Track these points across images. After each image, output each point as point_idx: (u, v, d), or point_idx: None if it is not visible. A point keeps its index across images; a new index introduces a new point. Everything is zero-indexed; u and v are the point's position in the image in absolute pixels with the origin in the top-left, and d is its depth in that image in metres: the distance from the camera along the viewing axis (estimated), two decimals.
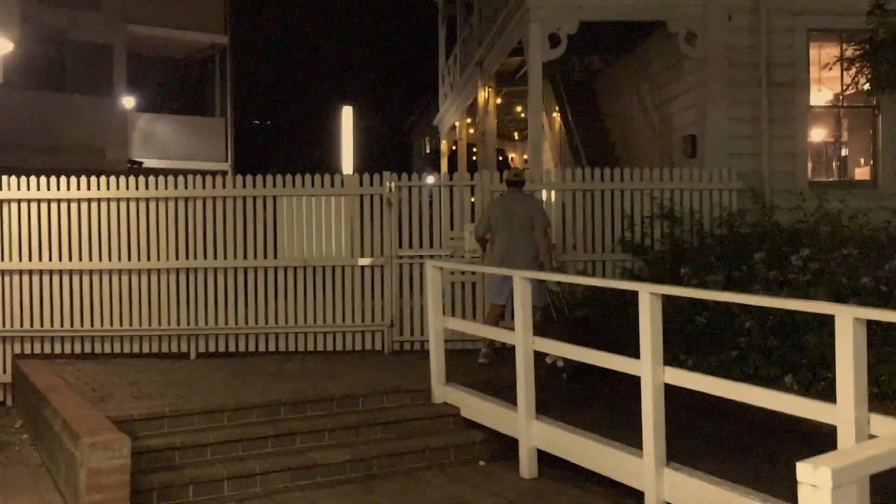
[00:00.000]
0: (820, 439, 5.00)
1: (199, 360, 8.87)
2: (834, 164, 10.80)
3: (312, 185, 9.13)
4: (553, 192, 9.24)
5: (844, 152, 10.85)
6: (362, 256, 9.10)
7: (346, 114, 15.92)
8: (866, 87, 8.97)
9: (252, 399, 6.61)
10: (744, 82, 9.94)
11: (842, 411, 3.77)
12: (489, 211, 8.18)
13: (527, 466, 5.98)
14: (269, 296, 9.09)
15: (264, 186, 9.12)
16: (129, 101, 19.35)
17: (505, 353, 7.92)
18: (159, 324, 9.01)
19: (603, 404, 6.47)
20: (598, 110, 13.85)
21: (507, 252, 7.84)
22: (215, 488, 5.64)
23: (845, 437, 3.76)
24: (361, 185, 9.16)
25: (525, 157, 18.80)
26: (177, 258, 9.04)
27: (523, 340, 6.03)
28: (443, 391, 7.02)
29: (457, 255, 8.85)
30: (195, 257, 9.06)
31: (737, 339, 6.65)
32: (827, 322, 6.13)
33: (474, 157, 18.24)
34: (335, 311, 9.07)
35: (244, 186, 9.13)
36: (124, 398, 6.74)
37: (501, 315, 7.99)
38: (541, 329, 7.28)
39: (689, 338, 7.16)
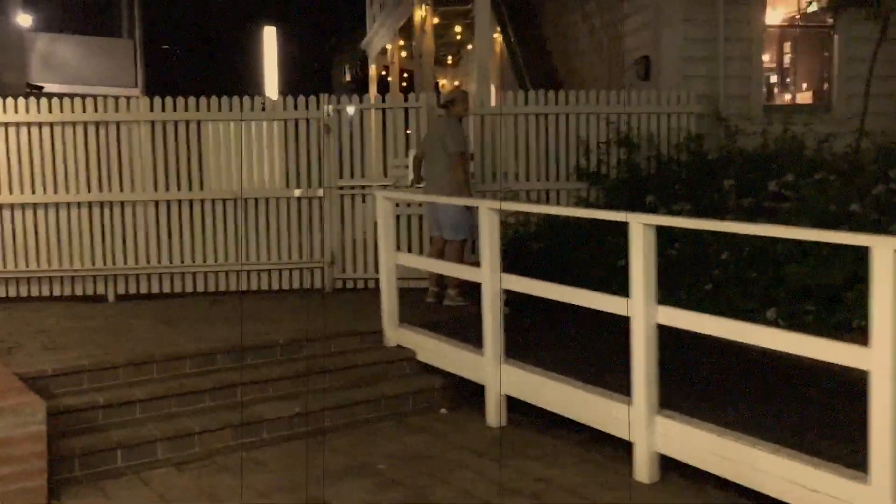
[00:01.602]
0: (815, 374, 4.68)
1: (120, 303, 8.03)
2: (789, 87, 10.46)
3: (241, 109, 8.24)
4: (496, 117, 8.59)
5: (799, 75, 10.51)
6: (298, 187, 8.33)
7: (269, 35, 14.80)
8: (822, 5, 8.57)
9: (184, 348, 5.89)
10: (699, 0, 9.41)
11: (878, 356, 3.33)
12: (424, 136, 7.80)
13: (494, 415, 5.48)
14: (196, 231, 8.26)
15: (186, 110, 8.19)
16: (24, 20, 17.61)
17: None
18: (71, 264, 8.10)
19: (563, 342, 6.01)
20: (539, 32, 13.17)
21: (431, 179, 7.32)
22: (147, 451, 4.95)
23: (881, 384, 3.33)
24: (296, 108, 8.33)
25: (456, 83, 18.05)
26: (89, 191, 8.09)
27: (490, 278, 5.46)
28: (396, 334, 6.44)
29: (400, 186, 8.15)
30: (110, 190, 8.12)
31: (711, 272, 6.23)
32: (811, 252, 5.79)
33: (404, 84, 17.37)
34: (270, 247, 8.33)
35: (164, 110, 8.17)
36: (34, 350, 5.92)
37: (439, 249, 7.43)
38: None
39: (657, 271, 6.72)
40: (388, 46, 15.91)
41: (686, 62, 9.37)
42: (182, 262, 8.23)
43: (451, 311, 7.15)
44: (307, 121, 8.31)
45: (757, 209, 6.46)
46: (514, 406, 5.48)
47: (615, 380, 4.83)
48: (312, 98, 8.33)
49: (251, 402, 5.56)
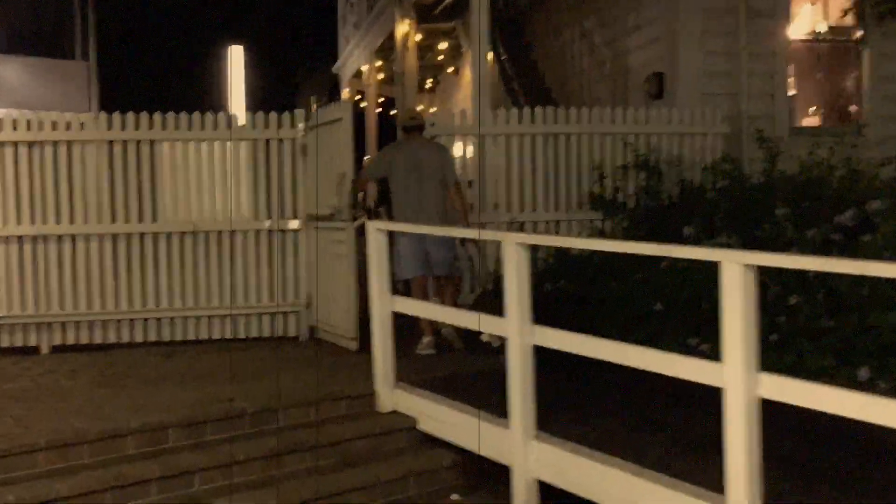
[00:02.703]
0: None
1: (55, 355, 6.73)
2: (816, 107, 9.53)
3: (202, 127, 7.05)
4: (499, 138, 7.48)
5: (826, 94, 9.60)
6: (269, 218, 7.13)
7: (236, 53, 13.65)
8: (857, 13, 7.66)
9: (126, 421, 4.62)
10: (719, 10, 8.47)
11: None
12: (387, 154, 6.60)
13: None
14: (148, 270, 7.00)
15: (137, 128, 6.97)
16: None
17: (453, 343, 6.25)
18: None
19: (600, 405, 4.87)
20: (529, 52, 12.18)
21: (419, 209, 6.21)
22: None
23: None
24: (267, 126, 7.15)
25: (432, 110, 16.95)
26: (19, 223, 6.81)
27: (519, 330, 4.30)
28: (392, 396, 5.25)
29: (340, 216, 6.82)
30: (45, 222, 6.85)
31: (776, 320, 5.14)
32: None
33: (380, 108, 16.26)
34: (235, 288, 7.10)
35: (110, 128, 6.95)
36: None
37: (424, 290, 6.33)
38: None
39: (700, 317, 5.64)
40: (364, 68, 14.82)
41: (706, 78, 8.39)
42: (131, 306, 6.95)
43: (456, 365, 5.99)
44: (279, 141, 7.14)
45: (824, 241, 5.41)
46: (548, 492, 4.30)
47: (688, 465, 3.69)
48: (286, 115, 7.17)
49: (212, 492, 4.33)
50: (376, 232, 5.31)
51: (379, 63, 14.34)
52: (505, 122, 7.42)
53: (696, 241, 5.95)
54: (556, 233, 7.46)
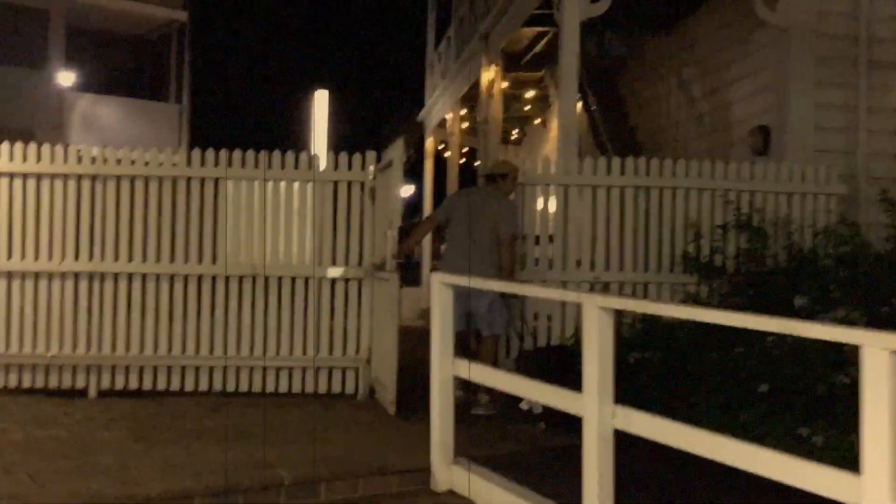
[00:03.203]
0: None
1: (101, 400, 6.34)
2: None
3: (270, 166, 6.68)
4: (585, 189, 6.85)
5: None
6: (334, 265, 6.67)
7: (321, 97, 13.51)
8: None
9: (149, 486, 4.12)
10: (835, 60, 7.71)
11: None
12: (454, 198, 6.77)
13: None
14: (203, 315, 6.61)
15: (202, 165, 6.66)
16: (66, 78, 16.70)
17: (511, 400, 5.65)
18: (47, 349, 6.48)
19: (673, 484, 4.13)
20: (621, 103, 11.58)
21: (467, 259, 5.91)
22: None
23: None
24: (336, 167, 6.73)
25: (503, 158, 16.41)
26: (76, 258, 6.53)
27: (598, 410, 3.63)
28: (449, 473, 4.61)
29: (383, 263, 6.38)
30: (102, 258, 6.55)
31: None
32: None
33: (463, 159, 15.86)
34: (293, 339, 6.62)
35: (171, 164, 6.65)
36: None
37: (465, 344, 5.84)
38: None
39: (813, 403, 4.85)
40: (448, 117, 14.46)
41: (818, 133, 7.60)
42: (184, 352, 6.55)
43: (525, 437, 5.35)
44: (348, 184, 6.71)
45: None
46: None
47: None
48: (357, 156, 6.74)
49: None
50: (441, 286, 4.74)
51: (463, 112, 13.96)
52: (592, 171, 6.80)
53: (809, 314, 5.16)
54: (645, 296, 6.74)
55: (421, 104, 17.12)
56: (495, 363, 5.98)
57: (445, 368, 4.72)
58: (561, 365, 5.65)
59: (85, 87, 17.64)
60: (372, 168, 6.67)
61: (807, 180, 6.93)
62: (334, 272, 6.64)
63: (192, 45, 19.10)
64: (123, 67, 18.73)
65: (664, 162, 6.86)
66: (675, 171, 6.82)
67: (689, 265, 6.68)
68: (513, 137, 16.18)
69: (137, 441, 5.02)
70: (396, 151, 6.10)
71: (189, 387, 6.54)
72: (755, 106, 8.34)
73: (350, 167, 6.72)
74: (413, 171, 22.76)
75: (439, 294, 4.75)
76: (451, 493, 4.58)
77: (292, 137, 20.03)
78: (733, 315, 3.56)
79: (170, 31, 18.98)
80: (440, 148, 16.35)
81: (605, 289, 6.59)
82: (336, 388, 6.63)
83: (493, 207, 6.16)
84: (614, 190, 6.79)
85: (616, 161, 6.84)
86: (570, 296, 4.16)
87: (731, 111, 8.86)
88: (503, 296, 6.02)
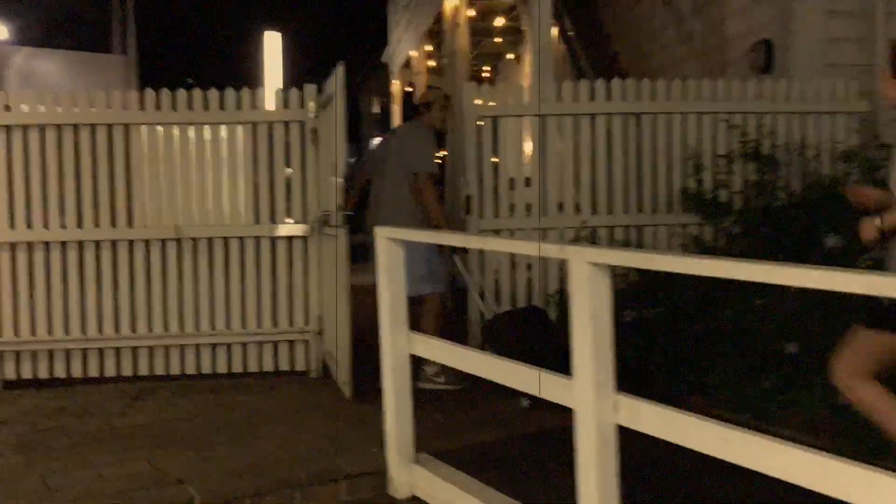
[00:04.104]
0: None
1: (5, 393, 5.36)
2: None
3: (190, 107, 5.60)
4: (565, 119, 5.83)
5: None
6: (272, 222, 5.65)
7: (272, 40, 12.32)
8: None
9: None
10: None
11: None
12: (373, 145, 5.90)
13: None
14: (122, 287, 5.59)
15: (109, 107, 5.58)
16: None
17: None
18: None
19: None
20: (601, 28, 10.48)
21: (381, 209, 5.20)
22: None
23: None
24: (273, 107, 5.67)
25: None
26: None
27: (594, 400, 2.69)
28: (409, 476, 3.67)
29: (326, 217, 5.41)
30: None
31: None
32: None
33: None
34: (229, 310, 5.63)
35: (72, 111, 5.57)
36: None
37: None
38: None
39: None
40: (413, 54, 13.29)
41: (828, 45, 6.59)
42: (101, 332, 5.54)
43: (505, 419, 4.42)
44: (285, 125, 5.65)
45: None
46: None
47: None
48: (294, 92, 5.67)
49: None
50: (388, 242, 3.74)
51: (429, 48, 12.79)
52: (572, 98, 5.77)
53: (846, 256, 4.22)
54: (639, 242, 5.79)
55: (385, 43, 15.92)
56: (439, 329, 4.95)
57: (399, 346, 3.74)
58: (536, 333, 4.73)
59: (21, 40, 16.28)
60: (312, 104, 5.62)
61: (821, 98, 5.95)
62: (273, 230, 5.62)
63: None
64: (63, 18, 17.34)
65: (656, 84, 5.84)
66: (670, 93, 5.81)
67: (690, 203, 5.71)
68: (484, 76, 15.03)
69: (18, 451, 4.04)
70: (338, 81, 5.04)
71: (110, 372, 5.56)
72: (754, 19, 7.29)
73: (287, 105, 5.66)
74: (383, 120, 21.55)
75: (387, 252, 3.74)
76: (414, 499, 3.65)
77: (249, 86, 18.63)
78: (769, 268, 2.57)
79: None
80: (408, 91, 15.18)
81: (593, 236, 5.62)
82: (284, 366, 5.67)
83: (407, 144, 5.25)
84: (599, 118, 5.77)
85: (600, 84, 5.81)
86: (551, 249, 3.17)
87: (725, 27, 7.81)
88: (440, 246, 5.12)
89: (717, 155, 5.78)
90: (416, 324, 4.28)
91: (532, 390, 3.08)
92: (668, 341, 4.47)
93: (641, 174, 5.82)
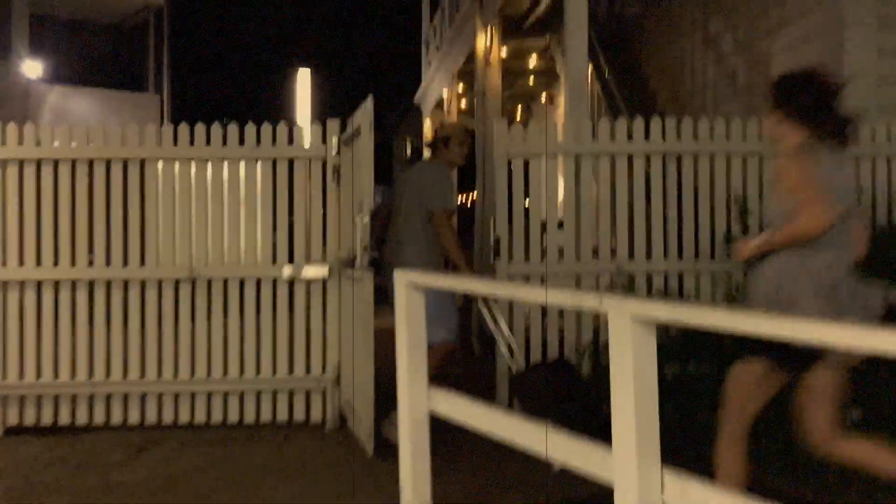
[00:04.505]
0: None
1: (7, 439, 5.09)
2: None
3: (208, 143, 5.38)
4: (601, 159, 5.50)
5: None
6: (290, 263, 5.37)
7: (303, 77, 12.22)
8: None
9: None
10: None
11: None
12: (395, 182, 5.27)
13: None
14: (132, 329, 5.32)
15: (123, 145, 5.37)
16: (32, 69, 15.47)
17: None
18: None
19: None
20: (638, 67, 10.22)
21: (393, 247, 4.95)
22: None
23: None
24: (291, 142, 5.44)
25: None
26: None
27: (640, 480, 2.31)
28: None
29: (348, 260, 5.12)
30: None
31: None
32: None
33: None
34: (244, 355, 5.33)
35: (81, 142, 5.37)
36: None
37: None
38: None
39: None
40: (445, 93, 13.12)
41: (881, 84, 6.23)
42: (108, 376, 5.27)
43: (532, 483, 4.02)
44: (307, 162, 5.40)
45: None
46: None
47: None
48: (315, 126, 5.44)
49: None
50: (408, 288, 3.41)
51: (460, 87, 12.61)
52: (608, 136, 5.46)
53: None
54: (680, 289, 5.41)
55: (419, 84, 15.80)
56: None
57: (418, 402, 3.38)
58: (564, 391, 4.35)
59: (55, 78, 16.43)
60: (335, 140, 5.37)
61: (878, 140, 5.57)
62: (291, 271, 5.34)
63: (172, 31, 17.84)
64: (98, 57, 17.52)
65: (698, 122, 5.51)
66: (713, 132, 5.47)
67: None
68: (517, 116, 14.81)
69: None
70: (365, 117, 4.78)
71: (116, 420, 5.27)
72: (801, 56, 6.96)
73: (308, 141, 5.41)
74: (413, 160, 21.38)
75: (406, 298, 3.41)
76: None
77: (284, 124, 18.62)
78: (854, 332, 2.19)
79: (147, 16, 17.73)
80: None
81: (631, 282, 5.26)
82: (299, 416, 5.34)
83: (423, 181, 4.94)
84: (637, 159, 5.45)
85: (638, 122, 5.49)
86: (588, 300, 2.83)
87: (770, 65, 7.48)
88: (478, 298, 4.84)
89: (763, 197, 5.41)
90: None
91: (565, 459, 2.72)
92: (714, 402, 4.07)
93: (682, 217, 5.46)
